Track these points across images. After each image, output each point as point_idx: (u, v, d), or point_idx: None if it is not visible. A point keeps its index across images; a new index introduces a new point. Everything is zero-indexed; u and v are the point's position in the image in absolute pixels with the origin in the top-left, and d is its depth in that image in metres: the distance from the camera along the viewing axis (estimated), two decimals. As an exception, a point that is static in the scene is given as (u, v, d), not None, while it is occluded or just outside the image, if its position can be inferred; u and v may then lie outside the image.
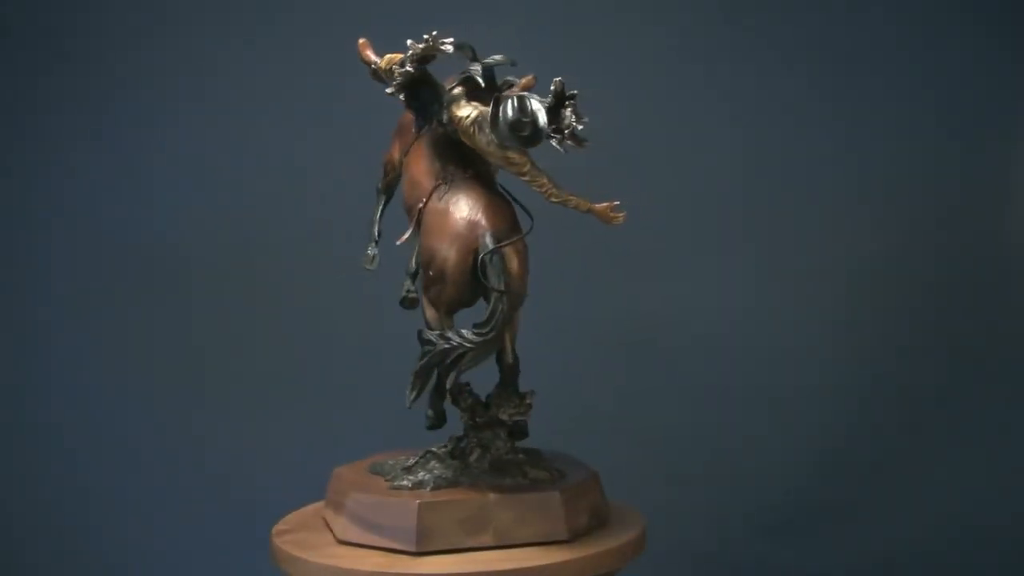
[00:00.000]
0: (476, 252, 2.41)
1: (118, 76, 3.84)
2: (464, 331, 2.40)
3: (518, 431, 2.60)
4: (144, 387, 3.85)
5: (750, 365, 3.76)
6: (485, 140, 2.43)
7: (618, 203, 2.46)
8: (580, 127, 2.40)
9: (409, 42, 2.45)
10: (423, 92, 2.50)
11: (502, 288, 2.39)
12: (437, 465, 2.53)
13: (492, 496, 2.42)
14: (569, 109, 2.40)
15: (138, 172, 3.87)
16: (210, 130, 3.83)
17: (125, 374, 3.86)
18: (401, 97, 2.51)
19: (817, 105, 3.78)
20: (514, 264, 2.42)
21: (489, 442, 2.54)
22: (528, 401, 2.56)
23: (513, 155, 2.42)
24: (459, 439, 2.58)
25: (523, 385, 2.59)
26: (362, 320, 3.67)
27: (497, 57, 2.52)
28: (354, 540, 2.46)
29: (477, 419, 2.55)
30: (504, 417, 2.55)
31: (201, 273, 3.86)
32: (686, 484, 3.72)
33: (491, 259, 2.39)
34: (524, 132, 2.37)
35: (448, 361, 2.42)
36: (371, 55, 2.62)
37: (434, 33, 2.45)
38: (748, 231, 3.81)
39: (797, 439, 3.72)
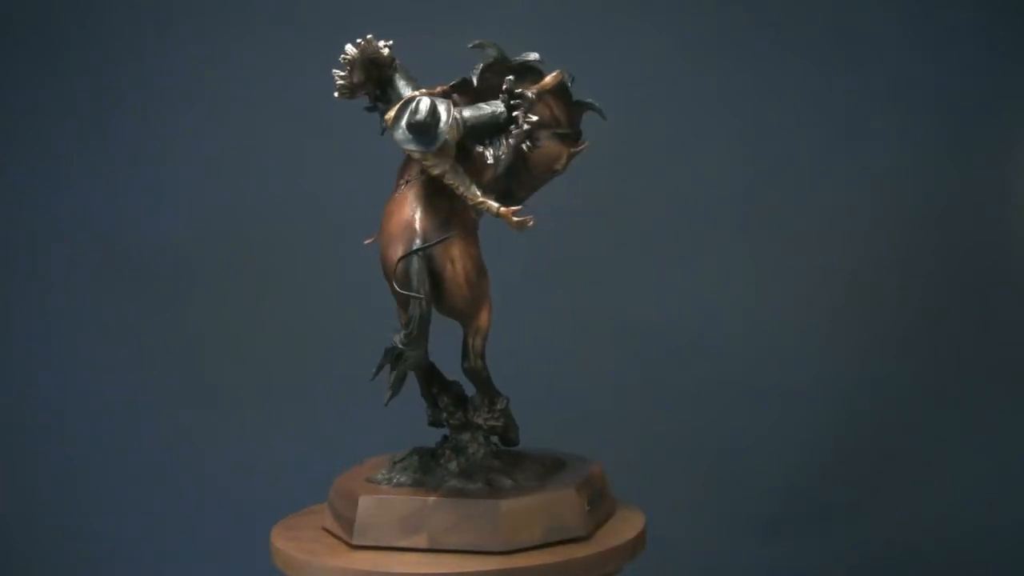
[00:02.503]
0: None
1: (119, 75, 3.85)
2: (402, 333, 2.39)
3: (505, 438, 2.59)
4: (144, 387, 3.85)
5: (750, 365, 3.76)
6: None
7: (520, 208, 2.42)
8: (527, 126, 2.39)
9: (347, 47, 2.44)
10: (391, 94, 2.49)
11: (418, 293, 2.36)
12: (416, 463, 2.54)
13: (431, 499, 2.41)
14: (519, 110, 2.40)
15: (139, 173, 3.88)
16: (212, 131, 3.83)
17: (125, 374, 3.86)
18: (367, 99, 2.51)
19: (817, 104, 3.78)
20: (446, 268, 2.40)
21: (465, 445, 2.54)
22: (499, 407, 2.54)
23: (429, 155, 2.39)
24: (445, 439, 2.59)
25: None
26: (364, 320, 3.66)
27: (531, 55, 2.52)
28: (327, 526, 2.52)
29: (451, 421, 2.56)
30: (479, 421, 2.54)
31: (202, 273, 3.86)
32: (686, 484, 3.72)
33: (410, 262, 2.38)
34: (420, 134, 2.35)
35: (392, 361, 2.41)
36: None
37: (369, 36, 2.45)
38: (748, 230, 3.81)
39: (797, 439, 3.73)
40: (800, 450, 3.72)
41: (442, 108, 2.37)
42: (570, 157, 2.64)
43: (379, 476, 2.54)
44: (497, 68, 2.51)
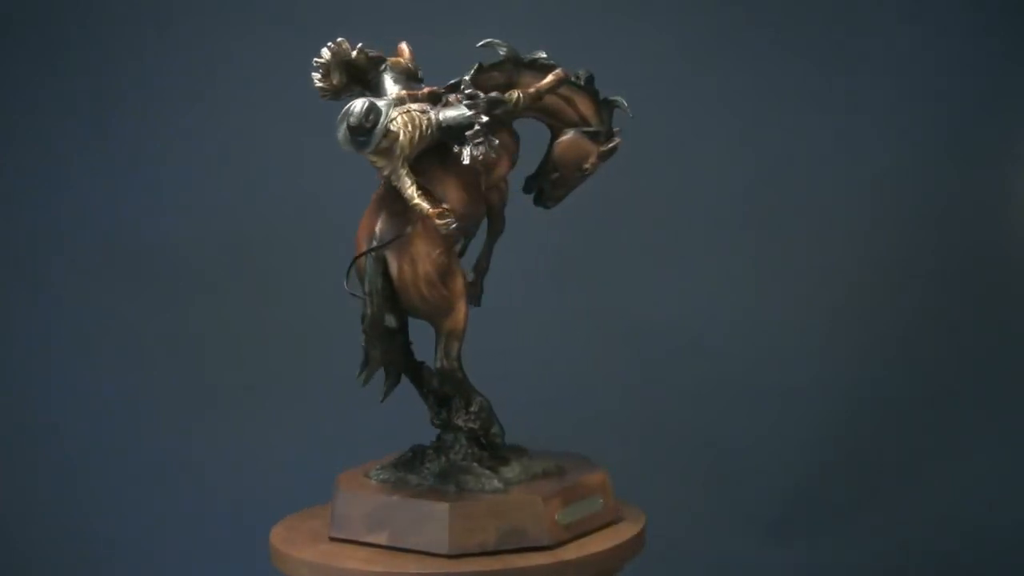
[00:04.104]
0: None
1: (119, 75, 3.85)
2: None
3: (487, 439, 2.57)
4: (144, 387, 3.85)
5: (750, 365, 3.76)
6: None
7: (440, 210, 2.41)
8: (478, 126, 2.39)
9: (323, 50, 2.45)
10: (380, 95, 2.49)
11: (360, 294, 2.41)
12: (407, 461, 2.56)
13: (395, 498, 2.44)
14: (473, 111, 2.40)
15: (139, 173, 3.87)
16: (212, 131, 3.83)
17: (125, 374, 3.86)
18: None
19: (817, 104, 3.78)
20: (402, 269, 2.42)
21: (449, 445, 2.55)
22: (474, 408, 2.53)
23: (378, 156, 2.40)
24: (438, 439, 2.60)
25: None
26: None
27: (541, 54, 2.52)
28: (328, 517, 2.56)
29: (435, 422, 2.57)
30: (459, 423, 2.54)
31: (202, 273, 3.86)
32: (686, 484, 3.72)
33: (365, 262, 2.42)
34: (356, 135, 2.36)
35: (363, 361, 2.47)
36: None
37: (340, 39, 2.45)
38: (748, 230, 3.81)
39: (797, 439, 3.72)
40: (800, 450, 3.72)
41: (382, 110, 2.37)
42: (600, 156, 2.63)
43: (372, 472, 2.57)
44: (507, 67, 2.52)
